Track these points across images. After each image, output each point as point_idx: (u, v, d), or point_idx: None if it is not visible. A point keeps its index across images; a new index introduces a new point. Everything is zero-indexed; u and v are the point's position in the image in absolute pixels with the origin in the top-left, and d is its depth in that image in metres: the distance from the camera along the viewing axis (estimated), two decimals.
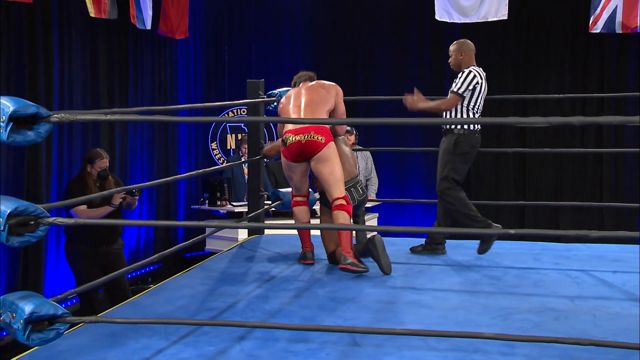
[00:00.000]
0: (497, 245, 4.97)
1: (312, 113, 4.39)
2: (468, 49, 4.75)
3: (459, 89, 4.59)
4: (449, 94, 4.63)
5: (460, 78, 4.61)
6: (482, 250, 4.59)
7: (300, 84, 4.65)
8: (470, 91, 4.60)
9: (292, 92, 4.63)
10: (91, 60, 7.58)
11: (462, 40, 4.82)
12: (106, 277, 3.34)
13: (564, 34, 8.92)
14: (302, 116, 4.37)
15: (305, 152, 4.31)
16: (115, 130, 7.92)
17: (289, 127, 4.37)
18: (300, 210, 4.63)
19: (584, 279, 4.10)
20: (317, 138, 4.27)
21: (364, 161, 8.30)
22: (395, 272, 4.26)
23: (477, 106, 4.69)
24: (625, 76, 8.78)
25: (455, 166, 4.62)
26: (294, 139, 4.28)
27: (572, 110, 8.86)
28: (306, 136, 4.26)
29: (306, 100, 4.46)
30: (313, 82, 4.64)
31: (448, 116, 4.65)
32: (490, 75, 9.09)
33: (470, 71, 4.61)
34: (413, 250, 4.84)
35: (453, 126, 4.61)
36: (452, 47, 4.79)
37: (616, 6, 7.78)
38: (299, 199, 4.63)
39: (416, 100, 4.62)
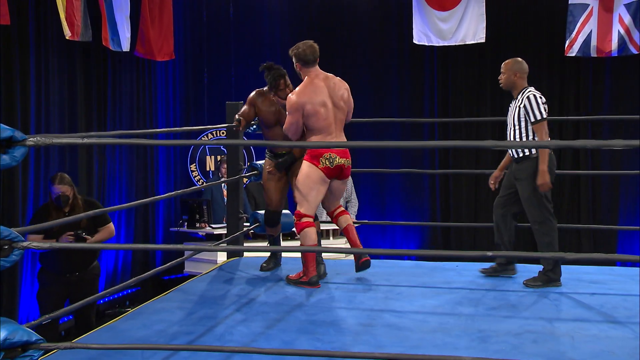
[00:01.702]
0: (476, 267, 5.00)
1: (341, 132, 4.56)
2: (522, 70, 4.68)
3: (541, 114, 4.53)
4: (531, 125, 4.55)
5: (531, 105, 4.54)
6: (531, 284, 4.49)
7: (317, 69, 4.57)
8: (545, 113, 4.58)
9: (314, 81, 4.49)
10: (69, 83, 7.54)
11: (514, 60, 4.74)
12: (68, 308, 3.27)
13: (540, 57, 9.04)
14: (334, 131, 4.46)
15: (340, 175, 4.54)
16: (93, 153, 7.87)
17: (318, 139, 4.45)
18: (313, 232, 4.51)
19: (562, 300, 4.12)
20: (350, 164, 4.60)
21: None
22: (375, 294, 4.26)
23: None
24: (601, 99, 8.92)
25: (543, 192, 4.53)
26: (340, 161, 4.48)
27: (549, 132, 8.95)
28: (347, 161, 4.54)
29: (336, 114, 4.51)
30: (332, 79, 4.61)
31: (518, 139, 4.63)
32: (468, 98, 9.27)
33: (534, 94, 4.58)
34: (484, 272, 4.75)
35: (527, 151, 4.55)
36: (505, 66, 4.71)
37: (591, 31, 7.94)
38: (310, 219, 4.49)
39: (543, 178, 4.49)
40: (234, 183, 5.43)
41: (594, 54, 8.04)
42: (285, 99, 4.58)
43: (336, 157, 4.46)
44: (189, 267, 7.98)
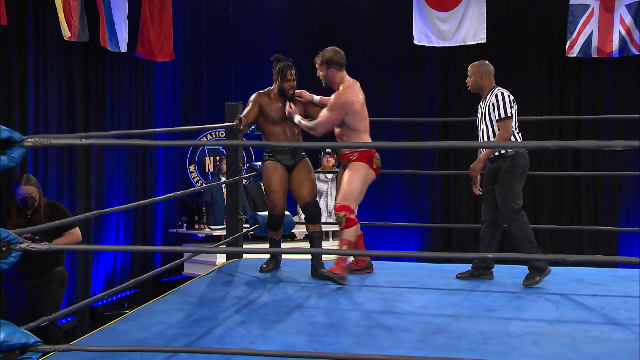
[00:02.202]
0: None
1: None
2: (488, 71, 4.70)
3: (506, 113, 4.53)
4: (496, 122, 4.55)
5: (498, 102, 4.54)
6: (530, 283, 4.49)
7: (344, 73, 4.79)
8: (514, 111, 4.60)
9: (353, 83, 4.72)
10: (67, 83, 7.54)
11: (480, 62, 4.77)
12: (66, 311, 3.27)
13: (541, 58, 9.05)
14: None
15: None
16: (92, 154, 7.86)
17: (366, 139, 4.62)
18: (357, 228, 4.66)
19: (563, 302, 4.12)
20: None
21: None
22: (375, 295, 4.26)
23: (516, 125, 4.68)
24: (602, 100, 8.92)
25: (516, 188, 4.56)
26: (379, 162, 4.70)
27: (550, 132, 8.96)
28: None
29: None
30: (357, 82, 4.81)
31: (487, 140, 4.64)
32: (468, 99, 9.26)
33: (502, 92, 4.58)
34: (460, 276, 4.71)
35: (503, 150, 4.55)
36: (471, 69, 4.75)
37: (592, 31, 7.95)
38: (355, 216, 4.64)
39: (475, 168, 4.60)
40: (233, 184, 5.43)
41: (594, 54, 8.04)
42: (290, 90, 4.74)
43: (378, 158, 4.68)
44: (187, 269, 7.98)
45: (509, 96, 4.58)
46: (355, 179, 4.59)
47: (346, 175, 4.63)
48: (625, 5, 7.85)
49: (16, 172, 6.54)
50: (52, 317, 3.14)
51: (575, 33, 8.01)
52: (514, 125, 4.59)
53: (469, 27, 8.28)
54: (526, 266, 4.64)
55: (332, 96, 4.63)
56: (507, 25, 9.13)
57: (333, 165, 7.64)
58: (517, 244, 4.56)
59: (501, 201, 4.56)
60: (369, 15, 9.59)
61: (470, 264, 4.77)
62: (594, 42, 7.97)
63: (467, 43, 8.35)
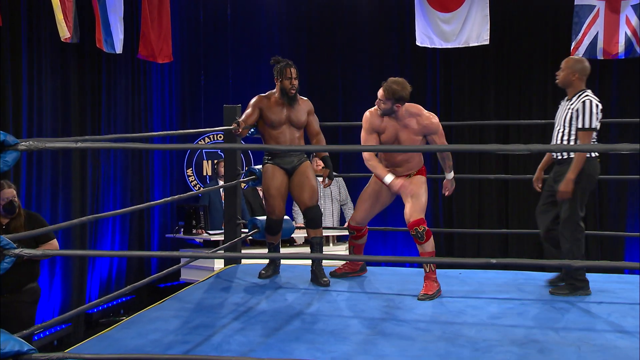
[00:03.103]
0: (480, 275, 5.01)
1: None
2: (582, 70, 4.56)
3: (590, 123, 4.42)
4: (576, 130, 4.45)
5: (584, 110, 4.41)
6: (557, 292, 4.44)
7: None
8: (598, 122, 4.46)
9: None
10: (62, 85, 7.54)
11: (577, 59, 4.66)
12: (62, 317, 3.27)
13: (546, 59, 9.05)
14: None
15: None
16: (87, 158, 7.87)
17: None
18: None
19: (568, 309, 4.11)
20: None
21: (337, 187, 8.33)
22: (376, 302, 4.25)
23: (597, 136, 4.57)
24: (608, 102, 8.92)
25: (580, 196, 4.46)
26: None
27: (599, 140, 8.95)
28: None
29: None
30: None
31: (560, 142, 4.52)
32: (471, 101, 9.28)
33: (591, 100, 4.44)
34: (553, 292, 4.50)
35: (572, 153, 4.42)
36: (565, 63, 4.62)
37: (597, 32, 7.95)
38: None
39: (566, 185, 4.41)
40: (231, 188, 5.43)
41: (600, 56, 8.05)
42: (290, 88, 4.78)
43: None
44: (185, 275, 7.97)
45: (597, 105, 4.44)
46: (422, 193, 4.78)
47: (413, 188, 4.74)
48: (631, 5, 7.86)
49: (10, 176, 6.55)
50: (47, 325, 3.13)
51: (580, 34, 8.02)
52: (595, 136, 4.51)
53: (472, 28, 8.29)
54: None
55: (431, 122, 4.67)
56: (510, 27, 9.13)
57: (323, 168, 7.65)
58: (561, 254, 4.45)
59: (562, 207, 4.48)
60: (370, 16, 9.60)
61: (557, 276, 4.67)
62: (600, 44, 7.98)
63: (471, 45, 8.36)
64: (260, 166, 5.12)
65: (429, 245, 4.56)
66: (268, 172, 4.84)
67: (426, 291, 4.42)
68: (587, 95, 4.49)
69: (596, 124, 4.45)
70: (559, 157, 4.55)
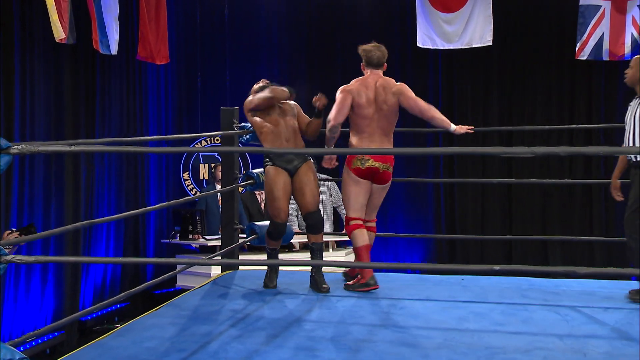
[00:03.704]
0: (483, 281, 5.00)
1: (388, 139, 4.79)
2: None
3: None
4: None
5: None
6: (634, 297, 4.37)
7: (373, 71, 4.85)
8: None
9: (367, 80, 4.78)
10: (55, 88, 7.56)
11: None
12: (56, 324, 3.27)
13: (550, 61, 9.07)
14: (375, 139, 4.69)
15: (374, 178, 4.72)
16: (81, 161, 7.87)
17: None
18: (362, 233, 4.70)
19: (573, 316, 4.11)
20: (391, 169, 4.76)
21: (328, 189, 8.33)
22: (377, 309, 4.25)
23: None
24: (614, 104, 8.94)
25: None
26: (372, 164, 4.66)
27: (560, 138, 8.97)
28: (383, 165, 4.70)
29: (382, 124, 4.76)
30: (385, 82, 4.86)
31: (630, 143, 4.39)
32: (474, 104, 9.28)
33: None
34: (632, 298, 4.42)
35: None
36: (634, 61, 4.52)
37: (603, 33, 7.96)
38: (357, 221, 4.70)
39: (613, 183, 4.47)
40: (229, 192, 5.42)
41: (606, 57, 8.06)
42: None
43: (369, 160, 4.66)
44: (181, 281, 7.98)
45: None
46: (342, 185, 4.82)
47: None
48: (638, 5, 7.87)
49: (1, 180, 6.55)
50: (39, 332, 3.13)
51: (585, 35, 8.04)
52: None
53: (475, 29, 8.30)
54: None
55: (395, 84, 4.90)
56: (514, 27, 9.15)
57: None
58: (630, 255, 4.41)
59: (630, 206, 4.39)
60: (371, 16, 9.61)
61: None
62: (606, 45, 7.99)
63: (473, 46, 8.37)
64: (259, 170, 5.11)
65: (352, 241, 4.74)
66: (270, 174, 4.76)
67: (351, 282, 4.73)
68: None
69: None
70: (635, 160, 4.38)
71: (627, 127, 4.46)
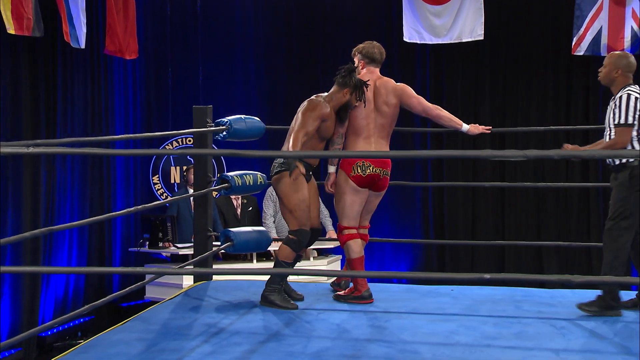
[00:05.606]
0: (474, 292, 5.02)
1: (386, 142, 4.87)
2: (626, 66, 4.55)
3: (626, 119, 4.36)
4: (614, 128, 4.41)
5: (620, 105, 4.40)
6: (593, 311, 4.41)
7: (373, 70, 4.96)
8: (638, 117, 4.40)
9: (365, 79, 4.82)
10: (12, 83, 7.49)
11: (621, 54, 4.68)
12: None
13: (545, 56, 9.12)
14: (372, 139, 4.75)
15: (374, 186, 4.75)
16: (41, 164, 7.81)
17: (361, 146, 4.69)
18: (357, 244, 4.70)
19: (570, 329, 4.14)
20: (389, 174, 4.82)
21: None
22: (361, 322, 4.26)
23: None
24: None
25: (628, 205, 4.38)
26: (374, 170, 4.68)
27: (556, 139, 9.02)
28: (384, 171, 4.75)
29: (380, 125, 4.82)
30: (385, 81, 4.98)
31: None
32: (464, 102, 9.32)
33: (628, 94, 4.43)
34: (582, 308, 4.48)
35: (624, 160, 4.35)
36: (608, 59, 4.60)
37: (601, 27, 8.00)
38: (351, 231, 4.70)
39: (575, 147, 4.57)
40: (202, 197, 5.41)
41: (604, 52, 8.10)
42: None
43: (370, 166, 4.66)
44: (150, 293, 7.94)
45: (636, 99, 4.41)
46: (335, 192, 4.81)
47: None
48: None
49: None
50: None
51: (582, 29, 8.08)
52: (636, 134, 4.42)
53: (465, 23, 8.32)
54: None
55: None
56: (507, 21, 9.20)
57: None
58: (603, 266, 4.49)
59: (610, 216, 4.47)
60: (354, 9, 9.62)
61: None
62: (604, 39, 8.03)
63: (463, 40, 8.39)
64: (235, 172, 5.10)
65: (345, 252, 4.78)
66: (299, 180, 4.63)
67: (343, 292, 4.77)
68: (628, 89, 4.48)
69: (633, 119, 4.38)
70: (613, 164, 4.46)
71: (606, 129, 4.56)
